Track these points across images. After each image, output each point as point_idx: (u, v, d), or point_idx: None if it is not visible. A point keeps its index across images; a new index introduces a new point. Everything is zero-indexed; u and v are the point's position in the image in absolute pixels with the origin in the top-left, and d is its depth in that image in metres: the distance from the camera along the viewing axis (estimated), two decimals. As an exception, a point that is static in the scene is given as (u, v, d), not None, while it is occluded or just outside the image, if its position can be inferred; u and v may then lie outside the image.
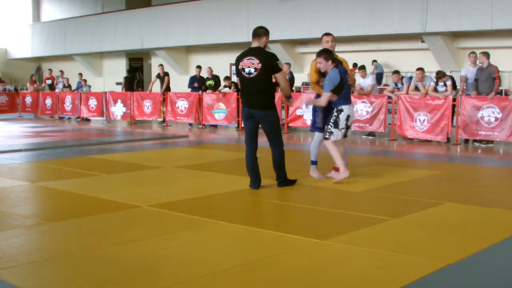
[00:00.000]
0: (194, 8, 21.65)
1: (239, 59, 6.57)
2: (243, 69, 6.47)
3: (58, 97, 19.87)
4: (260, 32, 6.51)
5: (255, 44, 6.53)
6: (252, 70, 6.40)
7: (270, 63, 6.39)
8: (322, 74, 7.21)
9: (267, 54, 6.50)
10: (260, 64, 6.36)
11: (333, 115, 6.89)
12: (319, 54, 6.89)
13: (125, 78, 19.49)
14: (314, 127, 7.40)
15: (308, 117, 13.84)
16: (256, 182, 6.63)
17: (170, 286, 3.52)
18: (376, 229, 4.87)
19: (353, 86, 8.43)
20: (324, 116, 7.26)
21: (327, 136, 6.95)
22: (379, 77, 17.66)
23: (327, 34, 7.38)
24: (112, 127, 16.83)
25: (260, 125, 6.63)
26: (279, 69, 6.47)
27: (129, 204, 5.75)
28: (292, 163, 8.62)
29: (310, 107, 7.75)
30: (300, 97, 14.11)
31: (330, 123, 6.92)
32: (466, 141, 11.81)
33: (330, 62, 6.81)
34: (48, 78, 22.49)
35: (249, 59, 6.44)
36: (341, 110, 6.88)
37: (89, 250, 4.24)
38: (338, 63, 7.04)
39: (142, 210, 5.56)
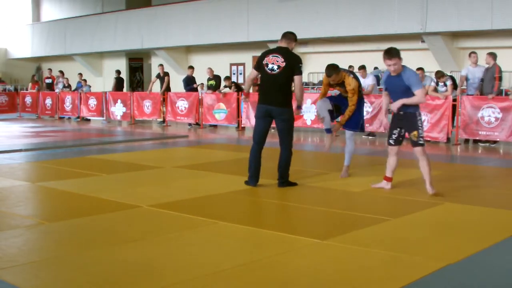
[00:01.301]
0: (194, 8, 21.63)
1: (264, 55, 6.68)
2: (267, 65, 6.58)
3: (58, 97, 19.88)
4: (290, 36, 6.70)
5: (283, 44, 6.65)
6: (275, 67, 6.52)
7: (294, 63, 6.51)
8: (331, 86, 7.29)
9: (293, 54, 6.65)
10: (284, 63, 6.49)
11: (418, 119, 6.34)
12: (393, 54, 6.11)
13: (116, 78, 19.84)
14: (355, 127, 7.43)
15: (308, 117, 13.85)
16: (255, 179, 6.67)
17: (170, 286, 3.52)
18: (376, 229, 4.87)
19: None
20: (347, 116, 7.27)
21: (422, 142, 6.32)
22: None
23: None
24: (112, 127, 16.83)
25: (274, 123, 6.72)
26: (300, 72, 6.55)
27: (129, 204, 5.75)
28: (294, 163, 8.62)
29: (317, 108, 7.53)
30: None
31: (420, 128, 6.31)
32: (466, 141, 11.80)
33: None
34: (48, 78, 22.52)
35: (274, 56, 6.58)
36: (421, 114, 6.46)
37: (89, 250, 4.24)
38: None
39: (142, 210, 5.56)
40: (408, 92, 6.20)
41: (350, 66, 14.06)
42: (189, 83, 16.91)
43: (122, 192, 6.44)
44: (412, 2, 16.15)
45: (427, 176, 6.31)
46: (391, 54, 6.12)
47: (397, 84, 6.25)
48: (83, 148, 11.08)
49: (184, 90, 17.01)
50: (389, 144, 6.54)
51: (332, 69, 7.11)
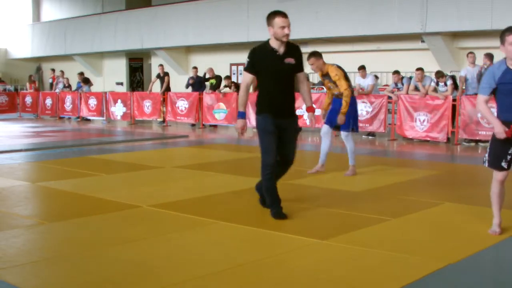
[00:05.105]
0: (194, 8, 21.62)
1: None
2: None
3: (58, 97, 19.89)
4: None
5: None
6: None
7: None
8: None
9: None
10: None
11: None
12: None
13: (83, 79, 20.24)
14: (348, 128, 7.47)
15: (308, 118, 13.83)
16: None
17: (170, 286, 3.52)
18: (376, 229, 4.87)
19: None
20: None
21: None
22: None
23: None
24: (112, 127, 16.83)
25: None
26: None
27: (129, 204, 5.75)
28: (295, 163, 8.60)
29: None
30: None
31: None
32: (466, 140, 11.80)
33: None
34: (51, 78, 22.64)
35: None
36: None
37: (89, 250, 4.24)
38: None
39: (142, 210, 5.56)
40: None
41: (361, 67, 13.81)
42: (188, 81, 16.96)
43: (122, 192, 6.44)
44: (412, 2, 16.14)
45: (499, 206, 4.69)
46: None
47: None
48: (83, 148, 11.08)
49: (185, 90, 17.04)
50: (500, 168, 4.54)
51: (311, 54, 7.34)
